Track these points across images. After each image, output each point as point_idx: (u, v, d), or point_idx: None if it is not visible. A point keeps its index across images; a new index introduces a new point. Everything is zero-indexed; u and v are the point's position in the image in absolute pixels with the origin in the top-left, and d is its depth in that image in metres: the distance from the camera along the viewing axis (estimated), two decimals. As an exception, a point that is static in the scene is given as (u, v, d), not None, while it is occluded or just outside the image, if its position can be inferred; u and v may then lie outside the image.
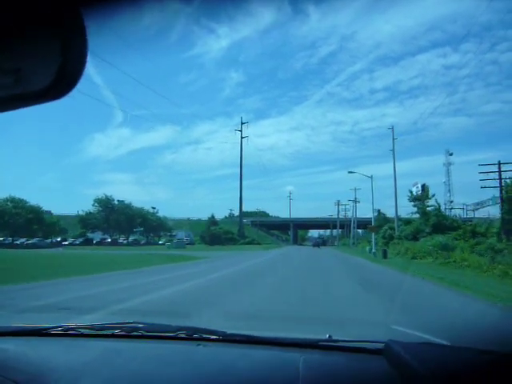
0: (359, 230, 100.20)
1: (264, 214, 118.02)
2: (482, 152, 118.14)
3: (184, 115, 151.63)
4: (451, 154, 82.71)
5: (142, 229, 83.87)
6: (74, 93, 0.81)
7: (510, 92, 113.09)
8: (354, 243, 75.50)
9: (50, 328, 1.99)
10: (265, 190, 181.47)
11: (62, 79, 0.77)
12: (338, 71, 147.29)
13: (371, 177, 42.98)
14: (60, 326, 2.00)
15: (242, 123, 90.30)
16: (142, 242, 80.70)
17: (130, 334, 1.96)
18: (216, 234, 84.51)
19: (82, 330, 2.01)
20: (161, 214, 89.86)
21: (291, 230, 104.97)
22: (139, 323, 2.06)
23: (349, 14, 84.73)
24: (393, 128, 40.80)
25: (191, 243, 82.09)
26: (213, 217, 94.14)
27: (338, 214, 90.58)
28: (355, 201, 67.96)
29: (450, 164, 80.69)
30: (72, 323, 2.10)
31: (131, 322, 2.07)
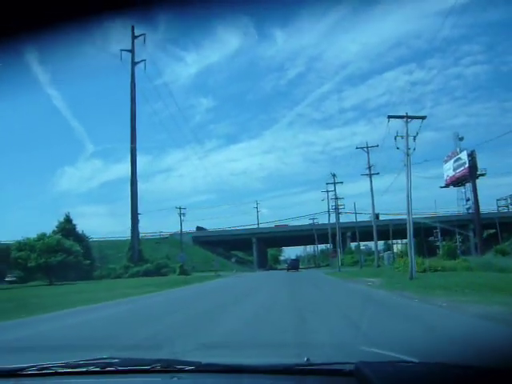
0: (352, 244, 68.33)
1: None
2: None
3: (154, 144, 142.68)
4: (461, 139, 68.59)
5: None
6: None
7: (475, 105, 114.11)
8: (365, 261, 42.41)
9: (24, 368, 2.00)
10: (238, 216, 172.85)
11: None
12: (307, 92, 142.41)
13: None
14: (34, 366, 2.01)
15: (134, 37, 48.52)
16: None
17: (104, 369, 1.97)
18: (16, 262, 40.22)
19: (57, 369, 2.01)
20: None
21: (255, 248, 69.59)
22: (113, 358, 2.11)
23: (314, 35, 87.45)
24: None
25: None
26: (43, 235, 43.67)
27: (328, 217, 54.47)
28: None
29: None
30: (46, 362, 2.07)
31: (105, 358, 2.14)
